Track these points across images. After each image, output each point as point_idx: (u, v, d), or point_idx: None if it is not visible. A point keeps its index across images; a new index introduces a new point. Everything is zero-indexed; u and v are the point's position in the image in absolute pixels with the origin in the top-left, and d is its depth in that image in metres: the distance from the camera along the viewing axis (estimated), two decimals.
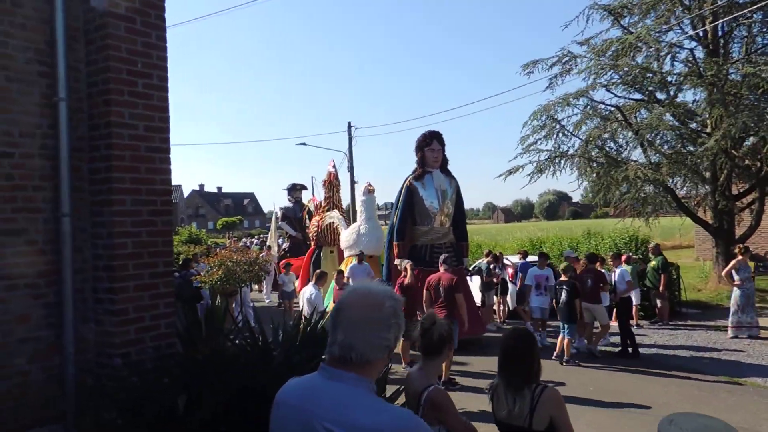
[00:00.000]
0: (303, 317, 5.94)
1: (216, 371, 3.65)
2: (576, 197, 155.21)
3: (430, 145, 10.85)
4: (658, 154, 14.45)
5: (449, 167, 11.36)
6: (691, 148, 14.78)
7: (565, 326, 9.10)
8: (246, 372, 3.74)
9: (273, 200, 76.97)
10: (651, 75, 13.57)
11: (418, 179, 10.92)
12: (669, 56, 13.94)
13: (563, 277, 9.37)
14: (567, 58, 15.66)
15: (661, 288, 11.43)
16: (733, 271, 10.34)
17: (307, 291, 9.33)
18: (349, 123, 30.27)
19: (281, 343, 4.41)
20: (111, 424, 3.28)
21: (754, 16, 13.93)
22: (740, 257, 10.41)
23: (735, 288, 10.38)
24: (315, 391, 1.62)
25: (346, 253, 14.01)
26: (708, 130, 14.01)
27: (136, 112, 3.92)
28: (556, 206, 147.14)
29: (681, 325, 11.70)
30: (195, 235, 27.46)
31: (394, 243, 10.86)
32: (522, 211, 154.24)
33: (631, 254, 11.95)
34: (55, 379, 3.54)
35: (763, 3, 13.16)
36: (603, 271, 10.02)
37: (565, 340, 9.06)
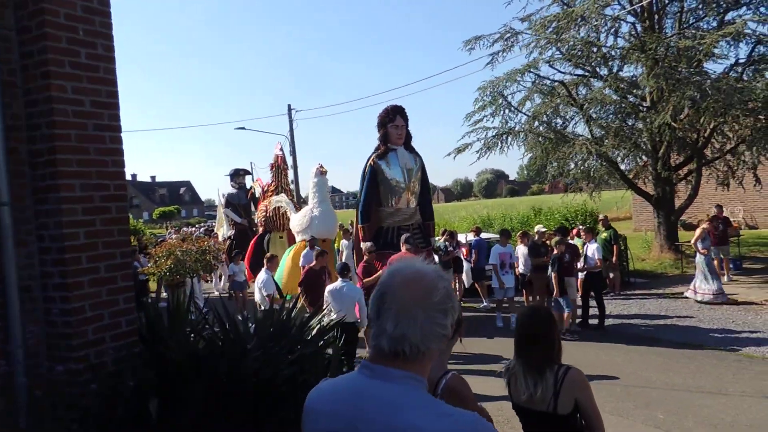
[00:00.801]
0: (260, 305, 5.61)
1: (191, 369, 3.32)
2: (512, 175, 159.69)
3: (394, 121, 10.25)
4: (601, 129, 14.71)
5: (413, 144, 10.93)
6: (631, 122, 15.16)
7: (561, 300, 9.13)
8: (222, 369, 3.42)
9: (217, 186, 74.75)
10: (595, 49, 13.73)
11: (381, 158, 10.32)
12: (612, 30, 14.14)
13: (556, 251, 9.28)
14: (509, 35, 15.68)
15: (614, 259, 11.66)
16: (701, 240, 10.60)
17: (259, 277, 9.02)
18: (289, 106, 29.58)
19: (254, 335, 4.10)
20: None
21: None
22: (705, 226, 10.67)
23: (699, 255, 10.60)
24: (359, 395, 1.35)
25: (298, 237, 13.53)
26: (647, 103, 14.39)
27: (80, 85, 3.47)
28: (494, 185, 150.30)
29: (631, 294, 12.00)
30: (132, 226, 26.24)
31: (359, 226, 10.40)
32: (462, 191, 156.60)
33: (581, 227, 12.11)
34: (3, 392, 3.10)
35: None
36: (576, 244, 10.09)
37: (566, 313, 9.13)
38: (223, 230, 18.88)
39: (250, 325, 4.32)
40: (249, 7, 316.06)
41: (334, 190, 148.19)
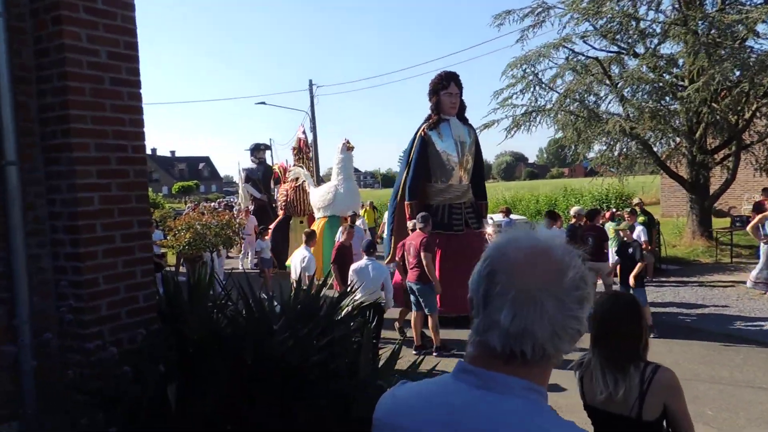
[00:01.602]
0: (295, 283, 5.30)
1: (213, 348, 3.00)
2: (531, 158, 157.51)
3: (447, 88, 9.25)
4: (635, 110, 14.09)
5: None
6: (667, 102, 14.52)
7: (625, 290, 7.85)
8: (247, 349, 3.10)
9: (237, 160, 74.79)
10: (634, 24, 13.09)
11: (433, 128, 9.32)
12: (654, 4, 13.45)
13: (624, 236, 8.29)
14: (540, 9, 15.06)
15: (649, 245, 11.17)
16: (760, 226, 9.92)
17: (299, 254, 8.36)
18: (311, 81, 29.12)
19: (281, 314, 3.78)
20: (85, 424, 2.60)
21: None
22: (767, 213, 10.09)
23: (763, 244, 9.94)
24: (459, 410, 0.99)
25: (318, 214, 13.08)
26: (685, 83, 13.74)
27: (96, 34, 3.13)
28: (513, 167, 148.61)
29: (665, 281, 11.53)
30: (152, 200, 26.21)
31: (407, 203, 9.23)
32: None
33: (615, 210, 11.63)
34: (8, 371, 2.81)
35: None
36: (604, 227, 9.60)
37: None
38: (245, 204, 18.59)
39: (276, 304, 4.01)
40: None
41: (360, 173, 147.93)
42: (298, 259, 8.27)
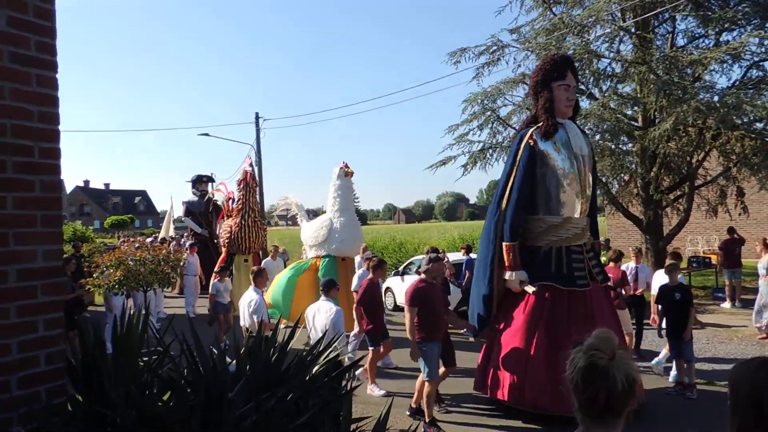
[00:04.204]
0: (247, 332, 4.37)
1: None
2: (472, 199, 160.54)
3: (563, 79, 6.45)
4: (595, 148, 13.97)
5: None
6: (622, 142, 14.51)
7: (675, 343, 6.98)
8: None
9: (170, 194, 72.44)
10: (595, 62, 13.02)
11: (548, 136, 6.41)
12: (612, 44, 13.51)
13: (670, 280, 7.13)
14: (495, 48, 14.93)
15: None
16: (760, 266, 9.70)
17: (247, 297, 7.30)
18: (257, 114, 28.27)
19: (237, 376, 2.90)
20: None
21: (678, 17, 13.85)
22: None
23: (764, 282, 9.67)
24: None
25: (311, 253, 11.15)
26: (638, 123, 13.76)
27: None
28: (455, 207, 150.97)
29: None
30: (81, 233, 24.31)
31: (505, 244, 6.37)
32: (423, 212, 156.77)
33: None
34: None
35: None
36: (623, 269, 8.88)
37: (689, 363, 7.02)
38: (169, 237, 17.29)
39: (229, 361, 3.13)
40: (214, 14, 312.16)
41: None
42: (245, 303, 7.22)
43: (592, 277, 6.41)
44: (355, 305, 7.57)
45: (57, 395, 2.35)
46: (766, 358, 1.73)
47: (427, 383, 6.05)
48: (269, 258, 13.08)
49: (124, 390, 2.29)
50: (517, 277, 6.15)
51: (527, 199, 6.41)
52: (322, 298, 6.78)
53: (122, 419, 2.11)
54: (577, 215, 6.49)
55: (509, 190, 6.49)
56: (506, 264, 6.32)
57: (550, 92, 6.46)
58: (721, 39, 13.44)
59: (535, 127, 6.50)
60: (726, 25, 12.93)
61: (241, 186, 13.86)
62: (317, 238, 10.74)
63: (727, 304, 12.73)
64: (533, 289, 6.04)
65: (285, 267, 12.43)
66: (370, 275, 7.60)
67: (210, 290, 9.57)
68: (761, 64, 13.10)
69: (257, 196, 14.60)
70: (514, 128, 14.72)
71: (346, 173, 10.79)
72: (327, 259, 10.55)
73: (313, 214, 15.13)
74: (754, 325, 9.84)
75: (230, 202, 14.73)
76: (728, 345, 9.19)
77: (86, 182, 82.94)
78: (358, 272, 9.13)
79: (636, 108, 13.48)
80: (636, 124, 13.89)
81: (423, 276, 6.26)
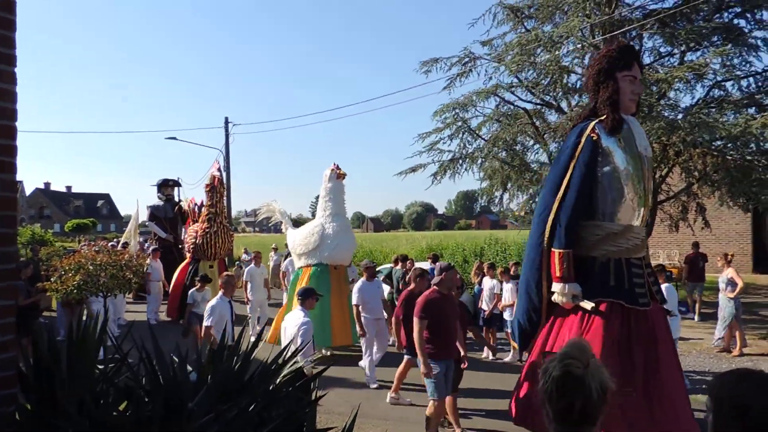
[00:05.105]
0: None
1: None
2: (440, 209, 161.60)
3: (629, 69, 5.55)
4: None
5: None
6: None
7: None
8: None
9: (136, 198, 70.91)
10: (565, 77, 13.26)
11: (613, 132, 5.48)
12: (587, 57, 13.76)
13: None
14: (467, 60, 15.09)
15: None
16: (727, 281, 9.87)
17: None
18: (227, 119, 28.04)
19: (198, 385, 2.81)
20: None
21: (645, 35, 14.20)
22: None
23: (728, 299, 9.76)
24: None
25: (300, 262, 10.53)
26: None
27: None
28: (423, 217, 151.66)
29: None
30: (39, 237, 23.63)
31: (557, 251, 5.43)
32: (391, 222, 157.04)
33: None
34: None
35: (654, 17, 13.41)
36: None
37: None
38: (133, 245, 16.88)
39: (190, 370, 3.03)
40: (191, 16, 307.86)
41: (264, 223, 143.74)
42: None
43: (652, 296, 5.59)
44: (393, 318, 7.25)
45: (6, 404, 2.23)
46: (749, 369, 1.74)
47: (431, 403, 5.74)
48: (253, 265, 12.46)
49: (77, 399, 2.19)
50: (570, 290, 5.24)
51: (586, 201, 5.49)
52: (298, 307, 6.45)
53: (75, 430, 2.01)
54: (638, 223, 5.66)
55: (564, 189, 5.54)
56: (556, 274, 5.38)
57: (615, 83, 5.60)
58: (685, 58, 13.83)
59: (597, 120, 5.64)
60: (691, 45, 13.32)
61: (208, 190, 13.69)
62: (307, 246, 10.12)
63: (696, 317, 13.05)
64: (591, 305, 5.13)
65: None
66: (412, 286, 7.00)
67: (188, 299, 8.97)
68: (723, 84, 13.50)
69: (224, 201, 14.38)
70: (485, 139, 14.91)
71: (338, 175, 10.17)
72: (318, 268, 10.01)
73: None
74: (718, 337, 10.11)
75: (196, 208, 14.55)
76: (687, 358, 9.35)
77: (47, 184, 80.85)
78: (358, 284, 8.60)
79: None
80: None
81: (435, 287, 5.94)
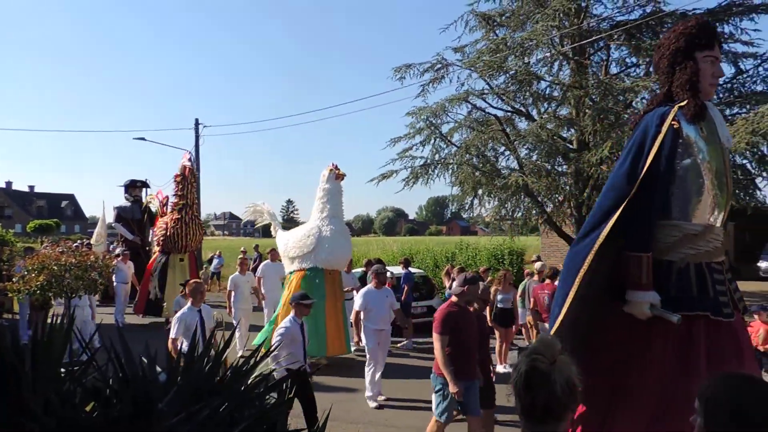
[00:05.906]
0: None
1: None
2: (411, 215, 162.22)
3: (711, 50, 4.51)
4: (533, 167, 14.43)
5: None
6: (558, 163, 15.04)
7: None
8: None
9: (102, 199, 69.56)
10: (534, 84, 13.48)
11: (696, 119, 4.47)
12: (556, 64, 14.02)
13: None
14: (439, 66, 15.24)
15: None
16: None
17: (184, 310, 6.54)
18: (197, 120, 27.71)
19: (167, 385, 2.78)
20: None
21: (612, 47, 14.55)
22: None
23: None
24: None
25: (292, 266, 9.92)
26: (573, 146, 14.31)
27: None
28: (394, 222, 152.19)
29: None
30: (0, 237, 22.92)
31: (634, 254, 4.35)
32: (362, 227, 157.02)
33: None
34: None
35: (623, 27, 13.75)
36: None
37: None
38: (101, 249, 16.51)
39: (159, 371, 2.98)
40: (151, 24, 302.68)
41: (232, 217, 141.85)
42: (178, 314, 6.56)
43: (736, 305, 4.79)
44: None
45: None
46: (747, 373, 1.77)
47: (433, 420, 5.40)
48: (238, 273, 11.08)
49: (43, 399, 2.15)
50: (648, 299, 4.41)
51: (661, 197, 4.55)
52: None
53: (41, 429, 1.97)
54: (719, 224, 4.80)
55: (643, 183, 4.41)
56: (635, 282, 4.43)
57: (695, 64, 4.62)
58: (651, 69, 14.20)
59: (678, 106, 4.61)
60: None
61: (179, 181, 13.23)
62: (302, 249, 9.59)
63: (675, 317, 13.27)
64: (677, 317, 4.36)
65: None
66: (453, 299, 5.99)
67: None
68: None
69: (194, 193, 13.85)
70: (456, 146, 15.05)
71: (336, 176, 9.65)
72: (312, 272, 9.51)
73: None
74: None
75: (165, 207, 14.21)
76: None
77: (8, 183, 78.73)
78: (363, 289, 8.25)
79: (572, 130, 14.02)
80: (571, 146, 14.44)
81: (454, 299, 5.43)
